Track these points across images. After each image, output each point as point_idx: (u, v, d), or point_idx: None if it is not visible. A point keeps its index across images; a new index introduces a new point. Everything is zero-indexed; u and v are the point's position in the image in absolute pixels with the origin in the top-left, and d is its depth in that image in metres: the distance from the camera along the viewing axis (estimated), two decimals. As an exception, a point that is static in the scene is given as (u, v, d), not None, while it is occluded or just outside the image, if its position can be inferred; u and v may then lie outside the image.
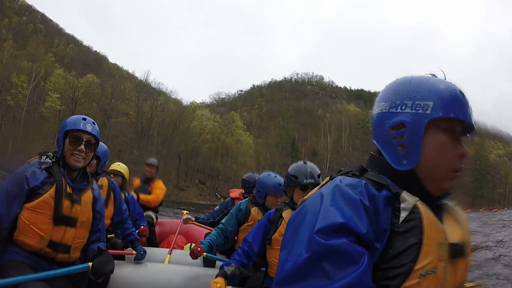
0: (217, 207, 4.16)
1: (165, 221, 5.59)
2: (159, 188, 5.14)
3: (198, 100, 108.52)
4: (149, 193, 5.04)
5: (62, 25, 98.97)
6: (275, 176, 2.86)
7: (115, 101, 60.27)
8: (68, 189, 1.90)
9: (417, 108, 0.81)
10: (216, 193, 61.09)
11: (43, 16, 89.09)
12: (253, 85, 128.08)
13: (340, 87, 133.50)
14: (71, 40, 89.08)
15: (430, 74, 0.88)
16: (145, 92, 66.05)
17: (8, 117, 49.76)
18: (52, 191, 1.83)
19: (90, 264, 1.77)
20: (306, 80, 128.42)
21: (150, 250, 3.11)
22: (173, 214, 15.83)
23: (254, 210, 2.94)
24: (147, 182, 5.18)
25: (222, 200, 52.88)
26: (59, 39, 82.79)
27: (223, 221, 2.99)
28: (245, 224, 2.94)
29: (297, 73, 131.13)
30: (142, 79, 76.35)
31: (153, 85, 72.69)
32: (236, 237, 3.01)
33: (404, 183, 0.82)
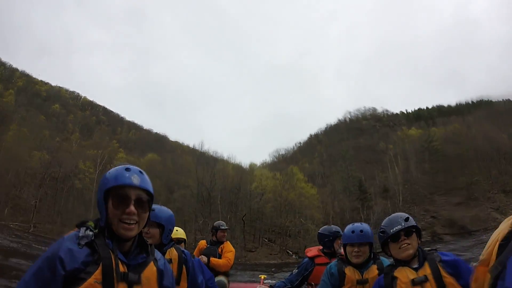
0: (295, 270, 3.81)
1: (239, 287, 5.23)
2: (230, 251, 4.93)
3: (259, 160, 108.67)
4: (219, 256, 4.88)
5: (122, 114, 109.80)
6: (353, 224, 2.65)
7: (175, 175, 61.94)
8: (121, 268, 1.36)
9: None
10: (287, 250, 58.33)
11: (104, 109, 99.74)
12: (310, 135, 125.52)
13: (397, 113, 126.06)
14: (132, 126, 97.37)
15: None
16: (203, 162, 67.34)
17: (79, 200, 52.77)
18: (98, 273, 1.29)
19: None
20: (360, 116, 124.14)
21: None
22: (245, 275, 14.21)
23: (348, 271, 2.63)
24: (215, 244, 5.04)
25: (293, 256, 51.38)
26: (121, 127, 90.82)
27: None
28: None
29: (350, 112, 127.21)
30: (200, 150, 79.11)
31: (210, 153, 74.73)
32: None
33: None
